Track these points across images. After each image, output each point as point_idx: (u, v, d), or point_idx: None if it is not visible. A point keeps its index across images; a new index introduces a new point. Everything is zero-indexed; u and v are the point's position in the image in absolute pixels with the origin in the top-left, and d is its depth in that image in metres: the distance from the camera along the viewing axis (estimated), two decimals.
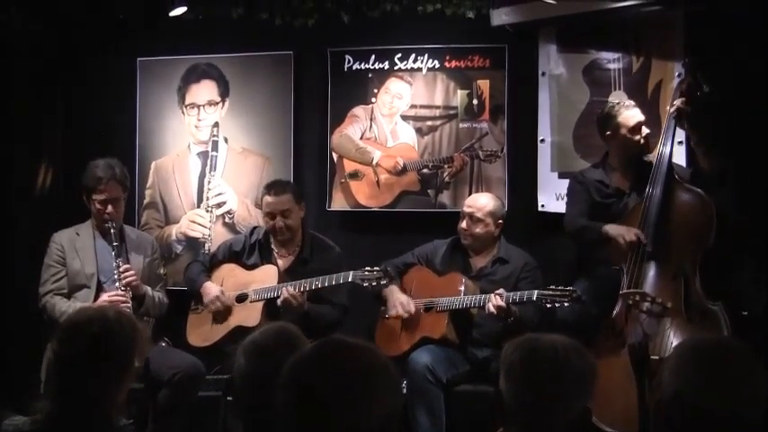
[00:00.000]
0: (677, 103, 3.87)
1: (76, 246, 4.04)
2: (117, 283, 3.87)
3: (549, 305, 3.69)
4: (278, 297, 3.96)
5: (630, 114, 3.96)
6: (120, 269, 3.88)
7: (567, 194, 4.17)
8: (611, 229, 3.77)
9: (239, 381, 2.04)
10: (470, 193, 4.52)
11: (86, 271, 3.99)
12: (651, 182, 3.77)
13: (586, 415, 1.89)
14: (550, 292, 3.70)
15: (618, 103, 4.04)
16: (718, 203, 3.70)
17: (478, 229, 4.12)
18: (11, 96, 4.87)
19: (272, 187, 4.21)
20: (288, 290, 3.93)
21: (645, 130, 3.96)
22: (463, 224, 4.15)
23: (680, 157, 4.14)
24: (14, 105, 4.89)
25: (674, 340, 3.48)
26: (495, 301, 3.77)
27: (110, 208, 3.98)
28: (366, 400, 1.50)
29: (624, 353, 3.53)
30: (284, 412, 1.53)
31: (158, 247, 4.42)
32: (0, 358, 4.54)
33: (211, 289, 4.17)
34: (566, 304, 3.66)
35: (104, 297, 3.86)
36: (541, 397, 1.86)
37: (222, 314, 4.16)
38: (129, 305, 3.81)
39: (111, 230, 3.93)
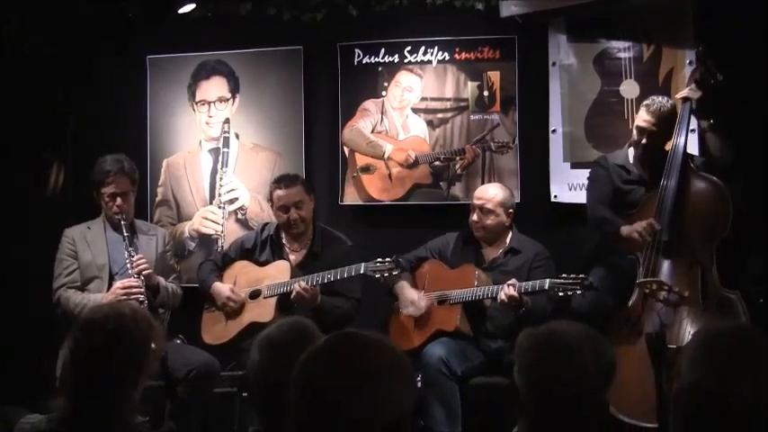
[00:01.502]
0: (685, 90, 3.84)
1: (87, 238, 4.06)
2: (130, 271, 3.87)
3: (561, 293, 3.69)
4: (291, 292, 3.96)
5: (638, 116, 3.94)
6: (133, 258, 3.88)
7: (589, 179, 4.15)
8: (625, 229, 3.74)
9: (254, 376, 2.04)
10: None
11: (98, 262, 4.01)
12: (666, 172, 3.75)
13: (604, 409, 1.86)
14: (562, 281, 3.69)
15: (648, 102, 3.92)
16: (732, 193, 3.68)
17: (490, 221, 4.10)
18: (19, 97, 4.88)
19: (282, 181, 4.21)
20: (300, 284, 3.93)
21: (644, 140, 3.88)
22: (474, 217, 4.14)
23: (692, 146, 4.11)
24: (23, 106, 4.91)
25: (691, 329, 3.46)
26: (507, 290, 3.76)
27: (119, 201, 3.99)
28: (378, 396, 1.49)
29: (641, 342, 3.50)
30: (296, 408, 1.52)
31: (171, 239, 4.44)
32: (16, 356, 4.57)
33: (221, 289, 4.17)
34: (578, 292, 3.65)
35: (118, 284, 3.86)
36: (555, 392, 1.83)
37: (236, 311, 4.15)
38: (143, 292, 3.81)
39: (122, 222, 3.94)
